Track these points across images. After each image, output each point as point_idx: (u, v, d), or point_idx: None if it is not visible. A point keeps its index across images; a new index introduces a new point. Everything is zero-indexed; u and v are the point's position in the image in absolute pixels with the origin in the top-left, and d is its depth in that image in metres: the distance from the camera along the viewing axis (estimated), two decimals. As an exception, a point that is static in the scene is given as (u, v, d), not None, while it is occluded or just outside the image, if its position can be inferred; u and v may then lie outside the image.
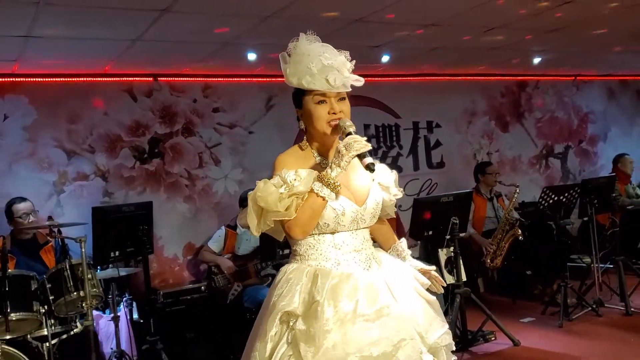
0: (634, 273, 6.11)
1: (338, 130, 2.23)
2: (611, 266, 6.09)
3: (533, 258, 6.45)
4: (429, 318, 2.26)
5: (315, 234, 2.25)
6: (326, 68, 2.19)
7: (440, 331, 2.25)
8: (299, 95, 2.30)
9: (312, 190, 2.15)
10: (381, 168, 2.48)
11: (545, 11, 5.09)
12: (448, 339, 2.28)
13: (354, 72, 2.29)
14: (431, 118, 7.79)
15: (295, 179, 2.17)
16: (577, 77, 8.97)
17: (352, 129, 2.19)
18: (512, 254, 6.38)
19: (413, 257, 6.39)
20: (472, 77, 7.99)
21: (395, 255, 2.51)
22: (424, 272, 2.47)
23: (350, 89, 2.26)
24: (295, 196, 2.15)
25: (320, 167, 2.26)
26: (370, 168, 2.13)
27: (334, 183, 2.14)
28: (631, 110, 9.68)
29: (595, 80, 9.26)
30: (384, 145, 7.46)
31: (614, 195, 6.83)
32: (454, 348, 2.35)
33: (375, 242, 2.56)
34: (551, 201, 5.87)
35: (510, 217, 6.29)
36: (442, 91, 7.80)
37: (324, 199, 2.14)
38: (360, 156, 2.14)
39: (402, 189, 2.55)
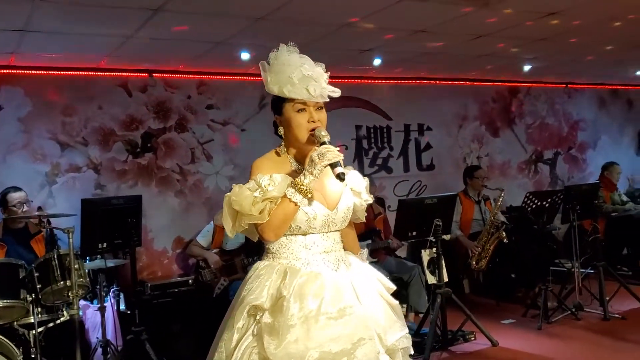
0: (614, 279, 6.22)
1: (314, 138, 2.32)
2: (592, 271, 6.20)
3: (518, 261, 6.57)
4: (390, 321, 2.35)
5: (288, 234, 2.33)
6: (306, 78, 2.29)
7: (399, 334, 2.33)
8: (279, 102, 2.39)
9: (285, 196, 2.24)
10: (353, 174, 2.57)
11: (530, 21, 5.21)
12: (406, 343, 2.36)
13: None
14: (422, 121, 7.90)
15: (269, 184, 2.26)
16: (569, 85, 9.08)
17: (326, 139, 2.28)
18: (497, 257, 6.50)
19: (401, 258, 6.51)
20: (463, 82, 8.09)
21: None
22: None
23: (327, 99, 2.36)
24: (268, 200, 2.24)
25: (296, 173, 2.34)
26: (340, 177, 2.22)
27: (307, 190, 2.23)
28: (621, 119, 9.81)
29: (586, 89, 9.38)
30: (375, 146, 7.57)
31: (598, 202, 6.95)
32: (412, 352, 2.43)
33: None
34: (534, 206, 5.98)
35: (495, 220, 6.40)
36: (434, 95, 7.92)
37: (296, 204, 2.23)
38: (332, 165, 2.23)
39: (372, 196, 2.63)
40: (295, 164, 2.42)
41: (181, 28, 4.81)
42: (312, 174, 2.23)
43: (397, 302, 2.47)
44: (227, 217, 2.31)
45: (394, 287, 2.52)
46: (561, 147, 9.16)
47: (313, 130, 2.33)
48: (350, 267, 2.42)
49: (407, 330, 2.40)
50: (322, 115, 2.37)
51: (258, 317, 2.22)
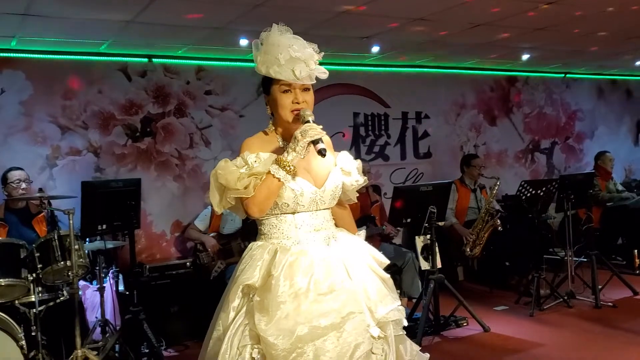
0: (607, 268, 6.30)
1: (299, 118, 2.38)
2: (585, 260, 6.28)
3: (512, 249, 6.64)
4: (380, 294, 2.39)
5: (278, 214, 2.40)
6: (293, 60, 2.33)
7: (390, 307, 2.38)
8: (267, 83, 2.44)
9: (269, 172, 2.30)
10: (344, 155, 2.64)
11: (529, 10, 5.25)
12: (397, 315, 2.40)
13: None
14: (420, 109, 7.95)
15: (255, 161, 2.33)
16: (567, 75, 9.12)
17: (310, 118, 2.34)
18: (492, 244, 6.57)
19: (396, 244, 6.57)
20: (462, 71, 8.13)
21: None
22: None
23: (315, 81, 2.42)
24: (254, 176, 2.31)
25: (283, 150, 2.39)
26: (321, 153, 2.29)
27: (289, 166, 2.30)
28: (619, 109, 9.86)
29: (585, 79, 9.42)
30: (372, 134, 7.63)
31: (594, 191, 7.02)
32: (405, 324, 2.48)
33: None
34: (529, 194, 6.05)
35: (490, 208, 6.47)
36: (432, 83, 7.96)
37: (279, 180, 2.30)
38: (314, 142, 2.30)
39: (365, 177, 2.68)
40: (282, 142, 2.48)
41: (181, 13, 4.85)
42: (295, 150, 2.30)
43: (388, 275, 2.53)
44: (215, 192, 2.38)
45: (386, 261, 2.58)
46: (558, 136, 9.22)
47: (297, 111, 2.38)
48: (341, 243, 2.48)
49: (398, 302, 2.45)
50: (308, 96, 2.42)
51: (251, 296, 2.29)
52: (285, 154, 2.32)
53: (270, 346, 2.15)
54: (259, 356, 2.20)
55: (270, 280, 2.26)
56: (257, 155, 2.36)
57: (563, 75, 9.11)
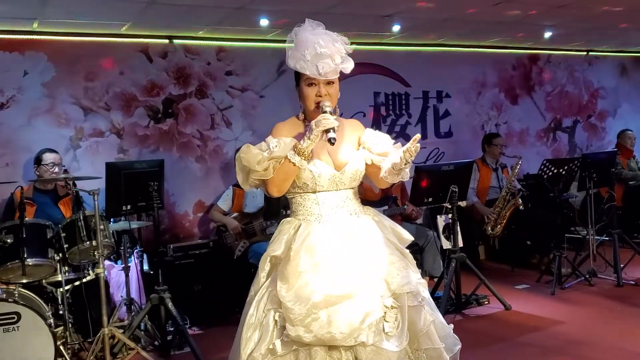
0: (629, 246, 6.26)
1: (320, 109, 2.55)
2: (607, 239, 6.25)
3: (533, 228, 6.63)
4: (398, 267, 2.54)
5: (301, 193, 2.62)
6: (319, 56, 2.50)
7: (405, 279, 2.50)
8: (297, 75, 2.65)
9: (287, 157, 2.51)
10: (369, 132, 2.76)
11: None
12: (413, 287, 2.50)
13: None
14: (441, 88, 7.90)
15: (276, 145, 2.53)
16: (589, 53, 9.00)
17: (328, 109, 2.52)
18: (513, 224, 6.56)
19: (417, 224, 6.54)
20: (483, 49, 8.06)
21: (393, 161, 2.56)
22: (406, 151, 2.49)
23: (337, 76, 2.58)
24: (273, 160, 2.52)
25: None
26: (330, 142, 2.49)
27: (305, 152, 2.50)
28: (643, 87, 9.71)
29: (608, 56, 9.28)
30: (393, 113, 7.60)
31: (616, 169, 6.96)
32: (425, 295, 2.58)
33: (367, 203, 2.79)
34: (551, 173, 6.02)
35: (512, 187, 6.46)
36: (453, 62, 7.89)
37: (294, 164, 2.50)
38: (326, 131, 2.48)
39: (394, 141, 2.69)
40: (306, 128, 2.65)
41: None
42: (309, 138, 2.50)
43: (407, 251, 2.69)
44: (239, 172, 2.61)
45: (410, 238, 2.72)
46: (580, 115, 9.12)
47: (319, 102, 2.56)
48: (364, 218, 2.64)
49: (418, 276, 2.60)
50: (332, 89, 2.59)
51: (278, 266, 2.53)
52: (302, 141, 2.51)
53: (288, 310, 2.37)
54: (280, 319, 2.41)
55: (290, 253, 2.49)
56: (279, 140, 2.55)
57: (585, 52, 8.98)
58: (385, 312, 2.42)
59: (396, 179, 2.60)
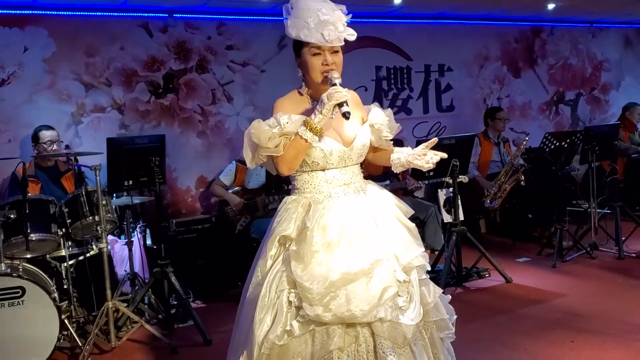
0: (630, 219, 6.28)
1: (327, 80, 2.46)
2: (609, 212, 6.26)
3: (535, 202, 6.64)
4: (406, 241, 2.54)
5: (309, 171, 2.56)
6: (322, 23, 2.41)
7: (414, 253, 2.52)
8: (298, 46, 2.54)
9: (297, 133, 2.42)
10: (375, 111, 2.71)
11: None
12: (421, 261, 2.55)
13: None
14: (443, 61, 7.86)
15: (287, 122, 2.44)
16: (593, 25, 8.92)
17: (337, 81, 2.43)
18: (515, 197, 6.56)
19: (418, 198, 6.58)
20: (486, 22, 7.99)
21: (397, 161, 2.66)
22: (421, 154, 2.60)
23: (343, 43, 2.49)
24: (284, 136, 2.44)
25: (312, 111, 2.48)
26: (345, 116, 2.38)
27: (316, 127, 2.41)
28: (647, 59, 9.64)
29: (611, 28, 9.20)
30: (395, 87, 7.57)
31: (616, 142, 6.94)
32: (429, 268, 2.62)
33: (370, 177, 2.80)
34: (553, 147, 6.01)
35: (515, 163, 6.45)
36: (455, 35, 7.84)
37: (306, 141, 2.42)
38: (339, 105, 2.38)
39: (398, 125, 2.75)
40: (312, 103, 2.58)
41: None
42: (321, 113, 2.40)
43: (413, 224, 2.67)
44: (247, 149, 2.51)
45: (411, 211, 2.72)
46: (584, 88, 9.07)
47: (326, 72, 2.47)
48: (369, 194, 2.63)
49: (422, 249, 2.60)
50: (337, 58, 2.51)
51: (287, 246, 2.48)
52: (313, 116, 2.42)
53: (306, 290, 2.33)
54: (295, 299, 2.37)
55: (305, 232, 2.42)
56: (290, 116, 2.46)
57: (589, 25, 8.90)
58: (398, 287, 2.43)
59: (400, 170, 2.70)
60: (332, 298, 2.32)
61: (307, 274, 2.35)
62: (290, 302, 2.38)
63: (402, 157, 2.64)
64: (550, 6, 7.30)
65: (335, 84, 2.42)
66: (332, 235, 2.42)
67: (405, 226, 2.62)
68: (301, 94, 2.61)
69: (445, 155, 2.62)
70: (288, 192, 2.70)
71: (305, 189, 2.57)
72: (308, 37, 2.43)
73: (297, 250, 2.42)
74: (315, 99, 2.55)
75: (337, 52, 2.51)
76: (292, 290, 2.39)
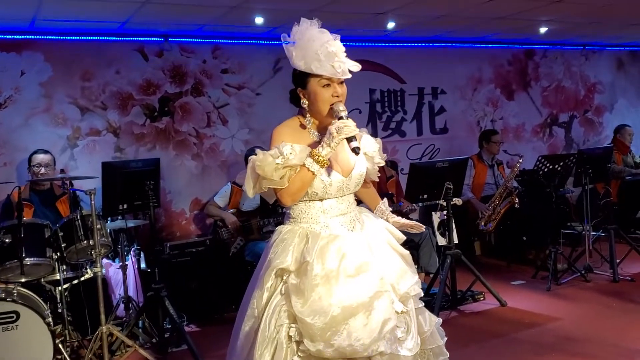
0: (625, 242, 6.29)
1: (332, 112, 2.48)
2: (603, 234, 6.27)
3: (529, 224, 6.64)
4: (402, 271, 2.56)
5: (306, 200, 2.54)
6: (331, 55, 2.44)
7: (410, 282, 2.54)
8: (304, 77, 2.52)
9: (304, 165, 2.42)
10: (366, 139, 2.76)
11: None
12: (417, 289, 2.57)
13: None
14: (436, 84, 7.92)
15: (291, 153, 2.43)
16: (586, 47, 9.01)
17: (344, 114, 2.44)
18: (509, 219, 6.57)
19: (412, 219, 6.65)
20: (479, 45, 8.07)
21: (380, 214, 2.82)
22: (402, 225, 2.78)
23: (350, 75, 2.51)
24: (289, 168, 2.43)
25: (316, 143, 2.51)
26: (355, 152, 2.42)
27: (323, 160, 2.42)
28: (640, 81, 9.73)
29: (604, 51, 9.29)
30: (389, 110, 7.62)
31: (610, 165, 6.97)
32: (422, 294, 2.63)
33: (361, 203, 2.85)
34: (546, 169, 6.04)
35: (509, 185, 6.47)
36: (448, 58, 7.91)
37: (313, 173, 2.43)
38: (349, 139, 2.41)
39: (385, 155, 2.84)
40: (316, 134, 2.58)
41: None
42: (329, 146, 2.41)
43: (407, 252, 2.69)
44: (249, 179, 2.50)
45: (403, 237, 2.72)
46: (577, 110, 9.14)
47: (332, 104, 2.48)
48: (364, 224, 2.63)
49: (417, 277, 2.62)
50: (344, 89, 2.54)
51: (285, 278, 2.45)
52: (320, 148, 2.42)
53: (307, 325, 2.32)
54: (295, 334, 2.37)
55: (305, 266, 2.40)
56: (292, 146, 2.45)
57: (582, 47, 9.00)
58: (397, 319, 2.43)
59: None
60: (333, 333, 2.32)
61: (307, 309, 2.34)
62: (290, 337, 2.37)
63: (384, 216, 2.77)
64: (543, 30, 7.39)
65: (342, 117, 2.42)
66: (331, 267, 2.41)
67: (399, 254, 2.63)
68: (303, 125, 2.59)
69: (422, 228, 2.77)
70: (283, 215, 2.69)
71: (301, 218, 2.56)
72: (319, 69, 2.44)
73: (297, 284, 2.41)
74: (319, 130, 2.58)
75: (342, 82, 2.53)
76: (292, 325, 2.38)
